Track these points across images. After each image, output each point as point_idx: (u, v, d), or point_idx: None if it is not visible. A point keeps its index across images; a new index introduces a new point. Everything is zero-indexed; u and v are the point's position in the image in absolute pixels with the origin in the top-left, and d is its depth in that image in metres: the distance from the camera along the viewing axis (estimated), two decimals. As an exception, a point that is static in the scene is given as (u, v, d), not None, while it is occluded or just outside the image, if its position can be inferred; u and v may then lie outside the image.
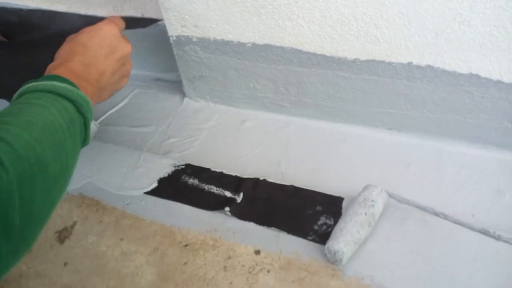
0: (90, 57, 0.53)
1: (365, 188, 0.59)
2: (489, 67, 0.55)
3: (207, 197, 0.63)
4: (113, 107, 0.81)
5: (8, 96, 0.51)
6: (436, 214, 0.56)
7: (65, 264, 0.59)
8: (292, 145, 0.71)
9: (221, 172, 0.66)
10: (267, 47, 0.64)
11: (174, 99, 0.82)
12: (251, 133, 0.74)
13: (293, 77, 0.67)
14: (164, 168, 0.68)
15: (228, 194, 0.63)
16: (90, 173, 0.69)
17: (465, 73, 0.57)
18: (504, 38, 0.52)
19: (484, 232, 0.55)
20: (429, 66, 0.58)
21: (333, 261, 0.54)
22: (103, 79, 0.54)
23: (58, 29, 0.70)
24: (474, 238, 0.55)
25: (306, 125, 0.73)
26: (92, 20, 0.66)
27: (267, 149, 0.71)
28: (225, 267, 0.56)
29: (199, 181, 0.65)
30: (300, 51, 0.62)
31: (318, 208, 0.60)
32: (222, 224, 0.61)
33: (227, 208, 0.61)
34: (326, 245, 0.54)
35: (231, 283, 0.55)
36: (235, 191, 0.63)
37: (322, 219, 0.59)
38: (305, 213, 0.60)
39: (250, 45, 0.65)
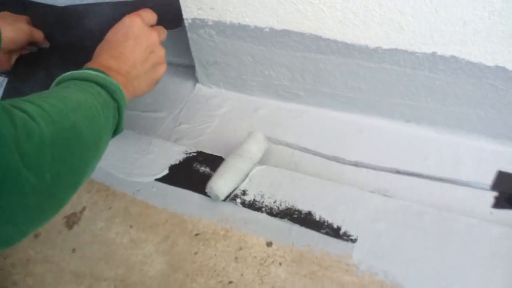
0: (117, 51, 0.56)
1: (250, 133, 0.64)
2: (517, 59, 0.53)
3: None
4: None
5: None
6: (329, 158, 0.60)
7: (73, 250, 0.58)
8: (306, 135, 0.69)
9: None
10: (285, 32, 0.62)
11: (187, 84, 0.80)
12: (264, 121, 0.72)
13: (310, 64, 0.65)
14: (175, 155, 0.67)
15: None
16: (99, 157, 0.68)
17: (491, 66, 0.55)
18: (535, 29, 0.50)
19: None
20: (453, 57, 0.56)
21: (212, 197, 0.60)
22: (134, 69, 0.57)
23: (93, 24, 0.68)
24: (492, 235, 0.54)
25: (321, 115, 0.71)
26: (124, 9, 0.64)
27: (281, 138, 0.69)
28: (236, 258, 0.55)
29: (211, 169, 0.64)
30: (320, 38, 0.60)
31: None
32: (234, 214, 0.59)
33: (238, 200, 0.60)
34: (207, 183, 0.60)
35: (242, 274, 0.54)
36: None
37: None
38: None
39: (267, 30, 0.63)
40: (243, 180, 0.61)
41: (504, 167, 0.61)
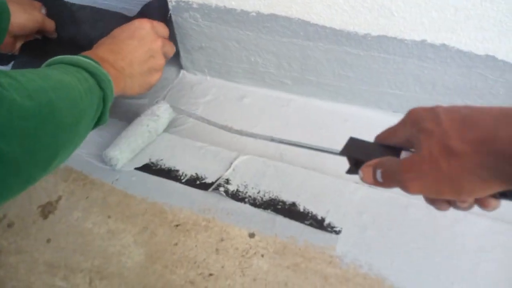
0: (117, 47, 0.56)
1: (155, 103, 0.64)
2: (507, 48, 0.52)
3: (201, 175, 0.60)
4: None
5: None
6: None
7: (48, 240, 0.56)
8: (292, 124, 0.67)
9: (218, 149, 0.63)
10: (273, 17, 0.60)
11: (170, 71, 0.78)
12: (249, 110, 0.70)
13: (297, 51, 0.63)
14: (157, 143, 0.64)
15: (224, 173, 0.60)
16: (78, 145, 0.66)
17: (481, 54, 0.54)
18: (527, 17, 0.49)
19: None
20: (443, 45, 0.55)
21: (109, 165, 0.60)
22: (130, 68, 0.56)
23: (103, 29, 0.69)
24: (479, 228, 0.53)
25: (307, 104, 0.70)
26: None
27: (266, 127, 0.67)
28: (217, 249, 0.53)
29: (193, 158, 0.62)
30: (308, 23, 0.58)
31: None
32: (216, 204, 0.57)
33: (221, 189, 0.58)
34: (104, 152, 0.60)
35: (222, 266, 0.52)
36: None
37: None
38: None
39: (254, 14, 0.60)
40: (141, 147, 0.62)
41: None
